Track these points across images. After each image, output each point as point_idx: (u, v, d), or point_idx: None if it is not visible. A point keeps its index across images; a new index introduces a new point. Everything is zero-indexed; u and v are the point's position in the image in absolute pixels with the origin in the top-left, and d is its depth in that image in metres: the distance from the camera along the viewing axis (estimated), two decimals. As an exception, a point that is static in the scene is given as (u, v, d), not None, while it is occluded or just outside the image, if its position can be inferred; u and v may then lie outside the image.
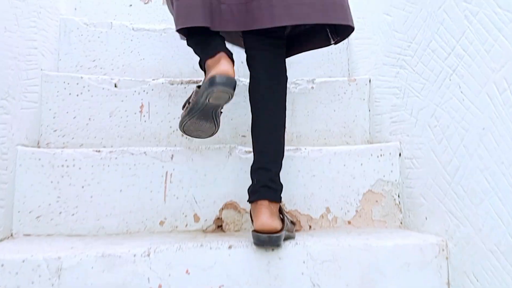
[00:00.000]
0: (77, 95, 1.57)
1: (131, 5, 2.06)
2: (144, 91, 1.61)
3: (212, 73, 1.17)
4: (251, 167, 1.23)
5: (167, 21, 2.07)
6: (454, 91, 1.14)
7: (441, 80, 1.20)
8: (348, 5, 1.24)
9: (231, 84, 1.16)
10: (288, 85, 1.66)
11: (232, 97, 1.20)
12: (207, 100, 1.19)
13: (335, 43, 1.37)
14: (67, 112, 1.56)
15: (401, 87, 1.43)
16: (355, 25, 1.83)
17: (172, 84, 1.63)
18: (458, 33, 1.12)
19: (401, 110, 1.43)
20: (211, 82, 1.15)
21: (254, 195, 1.18)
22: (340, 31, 1.33)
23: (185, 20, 1.17)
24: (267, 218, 1.13)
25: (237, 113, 1.63)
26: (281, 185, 1.21)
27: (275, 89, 1.25)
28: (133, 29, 1.83)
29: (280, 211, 1.21)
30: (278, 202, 1.19)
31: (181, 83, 1.63)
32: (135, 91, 1.61)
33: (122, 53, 1.82)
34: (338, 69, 1.92)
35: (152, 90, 1.62)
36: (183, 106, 1.34)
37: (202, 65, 1.30)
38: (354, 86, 1.69)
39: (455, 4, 1.14)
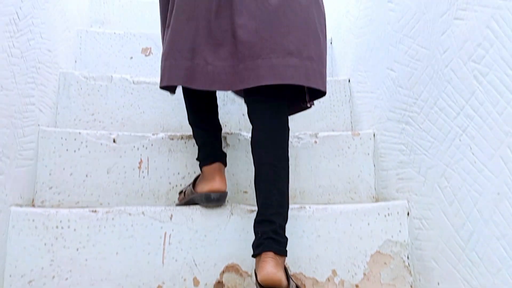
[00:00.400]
0: (75, 151, 1.53)
1: (132, 58, 2.06)
2: (143, 146, 1.58)
3: (207, 188, 1.35)
4: (255, 219, 1.21)
5: (168, 73, 2.05)
6: (465, 152, 1.10)
7: (450, 139, 1.17)
8: (326, 73, 1.29)
9: (224, 199, 1.36)
10: (290, 139, 1.63)
11: (224, 202, 1.38)
12: (203, 205, 1.37)
13: (309, 107, 1.45)
14: (64, 169, 1.51)
15: (408, 143, 1.39)
16: (357, 77, 1.82)
17: (172, 139, 1.59)
18: (467, 93, 1.09)
19: (408, 167, 1.39)
20: (207, 198, 1.34)
21: (259, 248, 1.16)
22: (313, 95, 1.38)
23: (167, 79, 1.27)
24: (272, 268, 1.11)
25: (239, 169, 1.59)
26: (286, 238, 1.19)
27: (277, 141, 1.25)
28: (133, 82, 1.81)
29: (285, 271, 1.16)
30: (284, 255, 1.16)
31: (181, 138, 1.60)
32: (134, 146, 1.57)
33: (122, 107, 1.79)
34: (341, 121, 1.89)
35: (152, 145, 1.58)
36: (180, 192, 1.50)
37: (199, 164, 1.41)
38: (358, 140, 1.65)
39: (462, 63, 1.11)
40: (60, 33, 1.77)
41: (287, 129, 1.28)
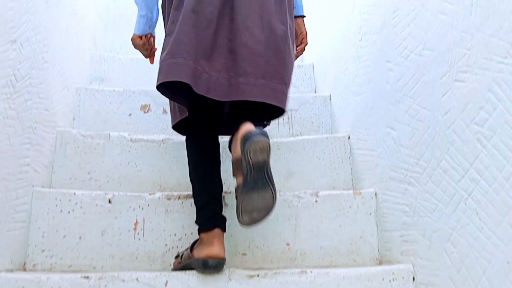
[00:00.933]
0: (69, 212, 1.49)
1: (130, 115, 2.05)
2: (139, 206, 1.54)
3: (205, 253, 1.31)
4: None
5: (167, 130, 2.04)
6: (471, 216, 1.06)
7: (455, 203, 1.13)
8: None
9: (222, 266, 1.31)
10: (290, 198, 1.60)
11: (221, 270, 1.32)
12: (200, 271, 1.31)
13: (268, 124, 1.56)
14: (57, 231, 1.47)
15: (411, 204, 1.36)
16: (357, 134, 1.81)
17: (169, 199, 1.56)
18: (471, 156, 1.07)
19: (412, 229, 1.35)
20: (204, 264, 1.29)
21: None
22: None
23: (175, 74, 1.27)
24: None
25: (237, 229, 1.54)
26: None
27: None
28: (131, 140, 1.79)
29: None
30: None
31: (179, 197, 1.56)
32: (129, 207, 1.53)
33: (119, 165, 1.76)
34: (342, 179, 1.85)
35: (148, 205, 1.54)
36: (176, 257, 1.47)
37: (198, 229, 1.39)
38: (359, 199, 1.61)
39: (465, 126, 1.09)
40: (59, 91, 1.77)
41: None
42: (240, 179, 1.24)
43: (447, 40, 1.19)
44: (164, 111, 2.09)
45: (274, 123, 2.15)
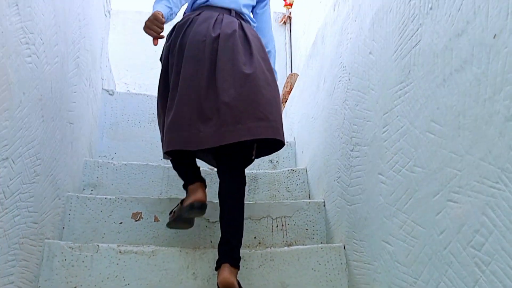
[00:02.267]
0: (50, 335, 1.40)
1: (121, 223, 2.01)
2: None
3: (191, 199, 1.77)
4: (219, 242, 1.72)
5: (158, 239, 2.00)
6: None
7: (458, 330, 1.07)
8: (283, 130, 1.87)
9: (204, 207, 1.77)
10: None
11: (204, 213, 1.80)
12: (187, 216, 1.80)
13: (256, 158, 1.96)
14: None
15: (411, 326, 1.29)
16: (353, 245, 1.77)
17: (158, 318, 1.48)
18: (470, 281, 1.03)
19: None
20: (191, 206, 1.75)
21: (218, 262, 1.67)
22: (273, 148, 1.94)
23: (173, 145, 1.76)
24: (227, 273, 1.60)
25: None
26: (240, 257, 1.71)
27: (240, 192, 1.80)
28: (120, 251, 1.74)
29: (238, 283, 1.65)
30: (237, 268, 1.66)
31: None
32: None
33: (106, 278, 1.70)
34: (339, 292, 1.78)
35: (135, 325, 1.46)
36: (170, 213, 1.93)
37: (185, 187, 1.87)
38: (357, 316, 1.54)
39: (462, 248, 1.07)
40: (49, 202, 1.75)
41: (244, 182, 1.84)
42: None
43: (437, 159, 1.20)
44: (156, 219, 2.06)
45: (268, 229, 2.11)
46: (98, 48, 2.59)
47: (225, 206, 1.76)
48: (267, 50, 2.07)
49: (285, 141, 2.90)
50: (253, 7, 2.18)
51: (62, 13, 1.80)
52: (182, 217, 1.82)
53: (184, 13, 2.10)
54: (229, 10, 1.99)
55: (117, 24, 3.99)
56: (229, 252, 1.66)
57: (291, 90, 3.43)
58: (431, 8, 1.29)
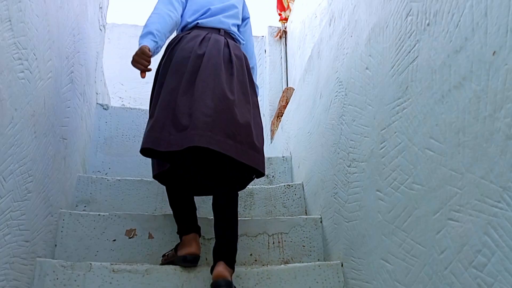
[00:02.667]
0: None
1: (115, 240, 1.97)
2: None
3: (185, 251, 1.79)
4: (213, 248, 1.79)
5: (152, 257, 1.97)
6: None
7: None
8: (262, 159, 1.89)
9: (196, 260, 1.80)
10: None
11: (197, 264, 1.80)
12: (179, 265, 1.79)
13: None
14: None
15: None
16: (351, 263, 1.74)
17: None
18: (473, 302, 1.01)
19: None
20: (184, 259, 1.78)
21: (214, 262, 1.74)
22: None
23: (144, 144, 1.81)
24: (222, 268, 1.67)
25: None
26: (234, 261, 1.77)
27: (233, 205, 1.87)
28: (113, 270, 1.70)
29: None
30: (232, 268, 1.72)
31: (162, 338, 1.44)
32: None
33: (99, 298, 1.66)
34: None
35: None
36: (163, 255, 1.93)
37: (179, 234, 1.89)
38: (356, 337, 1.50)
39: (463, 268, 1.05)
40: (42, 219, 1.71)
41: (236, 195, 1.90)
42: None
43: (437, 177, 1.18)
44: (150, 236, 2.02)
45: (264, 246, 2.08)
46: (92, 63, 2.57)
47: (217, 215, 1.84)
48: (250, 66, 2.14)
49: (282, 156, 2.90)
50: (239, 25, 2.26)
51: (56, 28, 1.78)
52: (175, 263, 1.81)
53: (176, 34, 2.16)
54: (218, 30, 2.08)
55: (112, 38, 3.98)
56: (225, 253, 1.73)
57: (287, 104, 3.41)
58: (428, 24, 1.28)
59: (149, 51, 1.85)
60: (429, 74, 1.26)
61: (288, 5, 4.11)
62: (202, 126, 1.72)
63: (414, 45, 1.36)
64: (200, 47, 1.94)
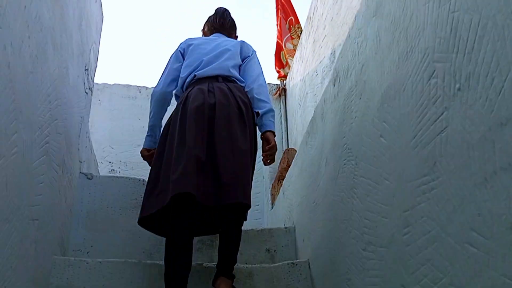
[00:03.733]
0: None
1: None
2: None
3: None
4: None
5: None
6: None
7: None
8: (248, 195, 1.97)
9: None
10: None
11: None
12: None
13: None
14: None
15: None
16: None
17: None
18: None
19: None
20: None
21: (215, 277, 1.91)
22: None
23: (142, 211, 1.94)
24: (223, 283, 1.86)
25: None
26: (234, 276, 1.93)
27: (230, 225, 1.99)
28: None
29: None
30: (231, 279, 1.91)
31: None
32: None
33: None
34: None
35: None
36: None
37: None
38: None
39: None
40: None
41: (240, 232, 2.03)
42: None
43: (484, 282, 0.92)
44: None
45: None
46: (75, 129, 2.35)
47: (222, 238, 1.98)
48: (261, 87, 2.22)
49: (284, 226, 2.64)
50: (240, 65, 2.32)
51: (25, 96, 1.57)
52: None
53: (176, 94, 2.29)
54: (216, 78, 2.16)
55: (103, 100, 3.79)
56: (225, 269, 1.90)
57: (288, 166, 3.18)
58: (459, 89, 1.06)
59: (148, 151, 2.26)
60: (465, 149, 1.02)
61: (287, 61, 3.95)
62: (226, 182, 1.88)
63: (442, 113, 1.13)
64: (210, 98, 2.04)
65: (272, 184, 3.49)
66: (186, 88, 2.17)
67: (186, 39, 2.37)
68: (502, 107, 0.91)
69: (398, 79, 1.38)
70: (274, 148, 2.17)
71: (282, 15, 4.15)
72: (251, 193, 2.00)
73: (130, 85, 3.89)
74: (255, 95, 2.16)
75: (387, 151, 1.43)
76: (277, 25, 4.24)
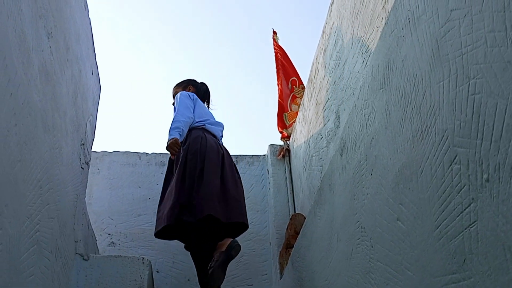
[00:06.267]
0: None
1: None
2: None
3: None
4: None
5: None
6: None
7: None
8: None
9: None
10: None
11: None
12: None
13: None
14: None
15: None
16: None
17: None
18: None
19: None
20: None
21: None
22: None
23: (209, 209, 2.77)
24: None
25: None
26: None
27: None
28: None
29: None
30: None
31: None
32: None
33: None
34: None
35: None
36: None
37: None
38: None
39: None
40: None
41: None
42: (215, 259, 2.59)
43: None
44: None
45: None
46: (70, 209, 2.23)
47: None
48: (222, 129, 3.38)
49: None
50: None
51: (11, 188, 1.46)
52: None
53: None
54: (215, 136, 3.17)
55: (102, 168, 3.68)
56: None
57: (296, 233, 3.03)
58: (487, 181, 0.95)
59: (178, 139, 2.93)
60: (500, 250, 0.90)
61: (291, 123, 3.87)
62: (233, 206, 2.86)
63: (469, 205, 1.01)
64: (219, 148, 3.06)
65: (280, 252, 3.32)
66: (198, 127, 3.15)
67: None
68: (544, 207, 0.79)
69: (414, 159, 1.27)
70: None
71: (283, 75, 4.11)
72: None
73: (129, 151, 3.80)
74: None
75: (406, 238, 1.30)
76: (278, 84, 4.19)
